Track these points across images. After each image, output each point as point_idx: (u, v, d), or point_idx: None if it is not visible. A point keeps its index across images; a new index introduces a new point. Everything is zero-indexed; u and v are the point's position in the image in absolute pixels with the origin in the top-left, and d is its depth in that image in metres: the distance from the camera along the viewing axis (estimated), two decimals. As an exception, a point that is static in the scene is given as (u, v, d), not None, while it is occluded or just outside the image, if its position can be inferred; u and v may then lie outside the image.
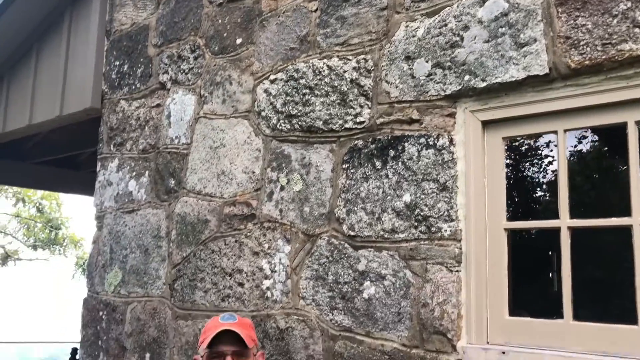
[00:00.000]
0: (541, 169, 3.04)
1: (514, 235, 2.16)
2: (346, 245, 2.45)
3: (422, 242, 2.21)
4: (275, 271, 2.68)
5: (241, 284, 2.81)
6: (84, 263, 12.35)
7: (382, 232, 2.33)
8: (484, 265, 2.10)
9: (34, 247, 12.13)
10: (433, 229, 2.19)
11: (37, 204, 11.24)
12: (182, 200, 3.20)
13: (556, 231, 2.01)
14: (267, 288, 2.70)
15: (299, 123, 2.69)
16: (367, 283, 2.34)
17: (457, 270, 2.11)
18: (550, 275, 2.79)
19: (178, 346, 3.03)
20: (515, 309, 2.08)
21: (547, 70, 2.00)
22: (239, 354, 1.80)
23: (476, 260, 2.10)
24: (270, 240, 2.73)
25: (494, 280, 2.07)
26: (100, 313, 3.58)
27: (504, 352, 1.96)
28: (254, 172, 2.87)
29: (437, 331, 2.11)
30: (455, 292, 2.10)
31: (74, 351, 4.20)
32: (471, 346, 2.04)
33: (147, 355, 3.20)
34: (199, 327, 2.93)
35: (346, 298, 2.40)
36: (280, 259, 2.67)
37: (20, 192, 10.93)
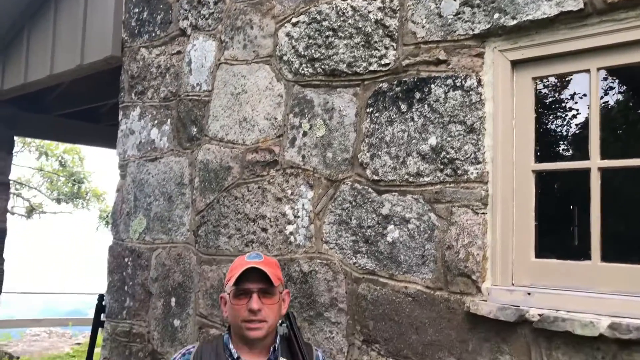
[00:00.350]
0: (571, 110, 2.97)
1: (541, 178, 2.12)
2: (370, 189, 2.43)
3: (447, 185, 2.19)
4: (298, 217, 2.68)
5: (264, 230, 2.83)
6: (107, 216, 12.56)
7: (406, 176, 2.31)
8: (511, 207, 2.07)
9: (58, 201, 12.35)
10: (459, 172, 2.16)
11: (60, 158, 11.37)
12: (205, 148, 3.19)
13: (586, 172, 1.97)
14: (291, 233, 2.71)
15: (322, 67, 2.64)
16: (390, 227, 2.34)
17: (483, 213, 2.09)
18: (578, 217, 2.75)
19: (203, 290, 3.08)
20: (541, 251, 2.06)
21: (581, 6, 1.92)
22: (265, 292, 1.80)
23: (503, 203, 2.08)
24: (293, 186, 2.72)
25: (521, 222, 2.05)
26: (126, 259, 3.64)
27: (529, 293, 1.96)
28: (276, 118, 2.84)
29: (462, 273, 2.11)
30: (481, 234, 2.08)
31: (101, 297, 4.28)
32: (496, 287, 2.04)
33: (173, 299, 3.26)
34: (223, 272, 2.97)
35: (370, 242, 2.40)
36: (303, 205, 2.67)
37: (43, 146, 11.05)
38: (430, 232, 2.22)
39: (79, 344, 10.47)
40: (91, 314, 4.45)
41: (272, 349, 1.83)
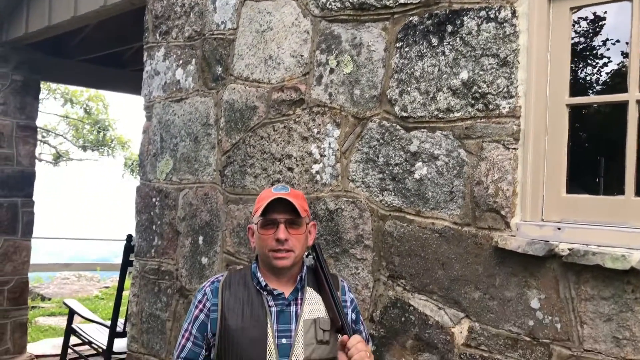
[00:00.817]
0: (609, 43, 2.87)
1: (574, 112, 2.06)
2: (398, 127, 2.40)
3: (478, 121, 2.15)
4: (325, 155, 2.67)
5: (290, 169, 2.83)
6: (132, 164, 12.73)
7: (436, 112, 2.27)
8: (543, 142, 2.03)
9: (84, 149, 12.51)
10: (491, 106, 2.12)
11: (85, 106, 11.45)
12: (230, 87, 3.17)
13: (622, 106, 1.91)
14: (317, 172, 2.71)
15: (350, 0, 2.57)
16: (419, 164, 2.32)
17: (514, 148, 2.05)
18: (611, 153, 2.70)
19: (230, 229, 3.12)
20: (572, 187, 2.03)
21: None
22: (292, 222, 1.81)
23: (535, 138, 2.04)
24: (320, 125, 2.70)
25: (552, 157, 2.01)
26: (153, 199, 3.69)
27: (559, 228, 1.94)
28: (302, 56, 2.80)
29: (491, 208, 2.09)
30: (511, 170, 2.05)
31: (129, 238, 4.38)
32: (525, 223, 2.02)
33: (200, 237, 3.31)
34: (249, 211, 3.00)
35: (397, 179, 2.39)
36: (329, 143, 2.66)
37: (67, 93, 11.12)
38: (459, 168, 2.19)
39: (107, 287, 10.81)
40: (118, 261, 4.58)
41: (298, 278, 1.85)
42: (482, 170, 2.12)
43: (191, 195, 3.41)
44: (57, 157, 12.55)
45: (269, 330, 1.76)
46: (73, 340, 5.07)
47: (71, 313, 4.96)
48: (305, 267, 1.90)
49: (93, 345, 4.75)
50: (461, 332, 2.16)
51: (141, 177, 3.85)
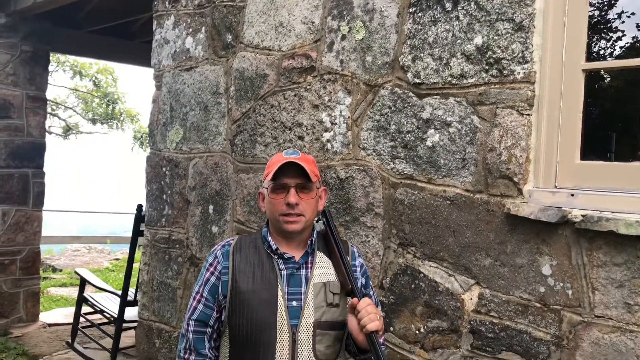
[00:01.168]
0: (624, 15, 2.81)
1: (590, 78, 2.03)
2: (410, 93, 2.38)
3: (492, 86, 2.12)
4: (336, 123, 2.66)
5: (301, 137, 2.82)
6: (141, 137, 12.75)
7: (449, 78, 2.24)
8: (557, 108, 2.00)
9: (93, 122, 12.52)
10: (505, 72, 2.09)
11: (94, 78, 11.44)
12: (240, 55, 3.15)
13: (635, 73, 1.88)
14: (327, 140, 2.69)
15: (363, -35, 2.53)
16: (431, 131, 2.30)
17: (528, 114, 2.03)
18: (626, 119, 2.67)
19: (240, 197, 3.13)
20: (586, 154, 2.01)
21: None
22: (302, 187, 1.80)
23: (549, 103, 2.01)
24: (331, 92, 2.68)
25: (567, 123, 1.99)
26: (164, 169, 3.70)
27: (572, 195, 1.92)
28: (313, 22, 2.76)
29: (503, 175, 2.08)
30: (525, 136, 2.03)
31: (140, 208, 4.41)
32: (538, 189, 2.01)
33: (211, 207, 3.33)
34: (259, 180, 3.00)
35: (408, 147, 2.37)
36: (340, 111, 2.64)
37: (77, 65, 11.10)
38: (472, 135, 2.17)
39: (117, 259, 10.92)
40: (128, 234, 4.61)
41: (309, 242, 1.86)
42: (496, 137, 2.10)
43: (201, 164, 3.41)
44: (67, 130, 12.58)
45: (280, 293, 1.77)
46: (85, 309, 5.14)
47: (82, 282, 5.02)
48: (315, 232, 1.90)
49: (105, 313, 4.81)
50: (471, 299, 2.17)
51: (151, 146, 3.85)
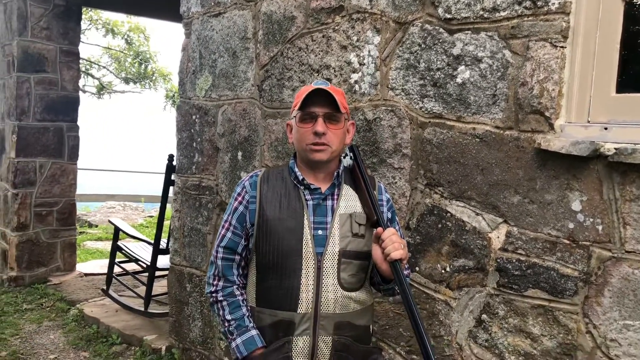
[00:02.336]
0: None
1: (630, 6, 1.95)
2: (441, 30, 2.32)
3: (525, 19, 2.06)
4: (364, 64, 2.63)
5: (329, 80, 2.79)
6: (173, 95, 12.85)
7: (481, 12, 2.18)
8: (593, 39, 1.94)
9: (126, 81, 12.65)
10: (539, 3, 2.02)
11: (126, 37, 11.52)
12: (268, -1, 3.12)
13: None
14: (355, 82, 2.67)
15: None
16: (461, 67, 2.25)
17: (562, 46, 1.97)
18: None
19: (268, 143, 3.14)
20: (622, 87, 1.94)
21: None
22: (330, 117, 1.77)
23: (585, 35, 1.94)
24: (359, 32, 2.64)
25: (603, 56, 1.92)
26: (193, 117, 3.73)
27: (606, 128, 1.87)
28: (342, -39, 2.71)
29: (535, 110, 2.03)
30: (558, 69, 1.97)
31: (171, 157, 4.47)
32: (570, 124, 1.96)
33: (239, 153, 3.35)
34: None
35: (438, 85, 2.33)
36: (369, 51, 2.60)
37: (109, 23, 11.18)
38: (503, 70, 2.12)
39: (151, 216, 11.17)
40: (160, 192, 4.68)
41: (335, 174, 1.85)
42: (527, 71, 2.04)
43: (230, 111, 3.42)
44: (101, 89, 12.75)
45: (305, 222, 1.78)
46: (120, 258, 5.29)
47: (116, 231, 5.15)
48: (342, 166, 1.89)
49: (138, 262, 4.94)
50: (498, 237, 2.15)
51: (181, 95, 3.88)
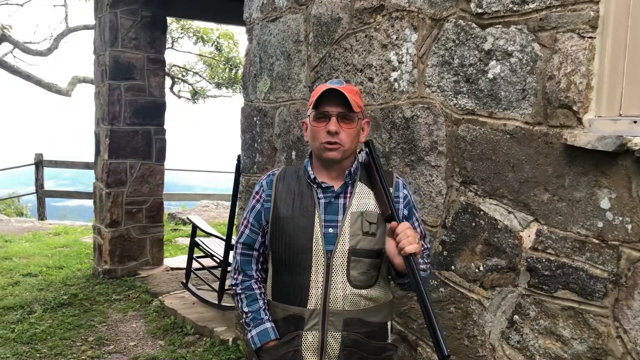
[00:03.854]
0: None
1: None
2: (473, 25, 2.28)
3: (553, 10, 1.98)
4: (403, 62, 2.62)
5: (371, 79, 2.82)
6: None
7: (510, 5, 2.12)
8: (625, 29, 1.83)
9: (218, 86, 13.23)
10: (566, -8, 1.93)
11: (216, 43, 12.04)
12: (318, 1, 3.18)
13: None
14: (395, 80, 2.67)
15: None
16: (492, 62, 2.20)
17: (590, 37, 1.87)
18: None
19: (317, 142, 3.21)
20: (659, 78, 1.81)
21: None
22: (344, 116, 1.81)
23: (615, 24, 1.84)
24: (398, 30, 2.64)
25: (635, 45, 1.81)
26: (255, 119, 3.88)
27: (635, 122, 1.76)
28: (382, -40, 2.72)
29: (562, 104, 1.95)
30: (586, 61, 1.88)
31: (239, 157, 4.65)
32: (599, 118, 1.86)
33: (293, 152, 3.45)
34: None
35: (470, 80, 2.29)
36: (407, 49, 2.60)
37: (199, 31, 11.76)
38: (532, 64, 2.05)
39: (240, 215, 11.58)
40: None
41: (347, 172, 1.88)
42: (555, 64, 1.97)
43: (285, 112, 3.53)
44: (194, 94, 13.41)
45: (316, 220, 1.83)
46: (199, 254, 5.58)
47: (194, 228, 5.45)
48: (357, 163, 1.92)
49: (214, 258, 5.19)
50: (529, 236, 2.08)
51: (244, 98, 4.05)
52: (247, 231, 1.96)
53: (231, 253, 4.85)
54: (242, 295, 1.94)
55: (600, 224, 1.85)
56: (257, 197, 1.96)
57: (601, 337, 1.86)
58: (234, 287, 1.98)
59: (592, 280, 1.87)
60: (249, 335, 1.89)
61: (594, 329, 1.88)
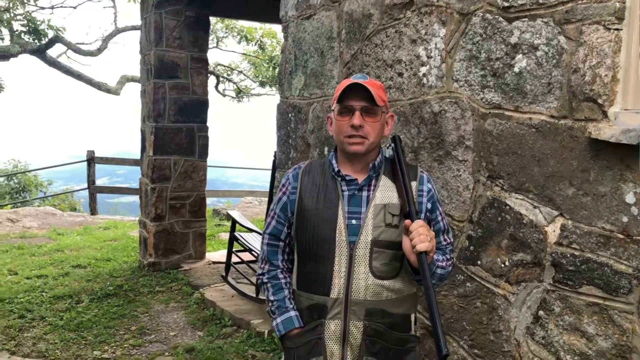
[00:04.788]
0: None
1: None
2: (500, 18, 2.27)
3: (579, 2, 1.95)
4: (431, 57, 2.63)
5: (400, 74, 2.83)
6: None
7: (536, -2, 2.10)
8: (652, 19, 1.79)
9: (262, 84, 13.41)
10: (592, -16, 1.90)
11: (259, 42, 12.19)
12: (349, -2, 3.21)
13: None
14: (423, 75, 2.68)
15: None
16: (519, 56, 2.18)
17: (616, 29, 1.84)
18: None
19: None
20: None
21: None
22: (368, 110, 1.83)
23: (641, 15, 1.80)
24: (427, 25, 2.65)
25: (662, 36, 1.77)
26: (289, 115, 3.93)
27: (661, 114, 1.73)
28: (412, -44, 2.72)
29: (588, 97, 1.92)
30: (611, 53, 1.85)
31: (275, 154, 4.73)
32: (625, 111, 1.83)
33: (325, 148, 3.49)
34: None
35: (497, 74, 2.28)
36: (435, 44, 2.60)
37: (243, 30, 11.93)
38: (558, 57, 2.03)
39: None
40: None
41: (371, 165, 1.90)
42: (580, 57, 1.94)
43: (318, 108, 3.57)
44: (239, 93, 13.62)
45: (340, 212, 1.86)
46: (239, 248, 5.69)
47: (233, 222, 5.56)
48: (381, 156, 1.94)
49: (252, 252, 5.29)
50: (554, 231, 2.06)
51: (280, 95, 4.11)
52: (273, 222, 2.02)
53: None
54: (269, 285, 1.99)
55: (625, 219, 1.82)
56: (284, 189, 2.01)
57: (626, 333, 1.83)
58: (260, 277, 2.04)
59: (617, 275, 1.84)
60: (274, 323, 1.94)
61: (619, 325, 1.85)
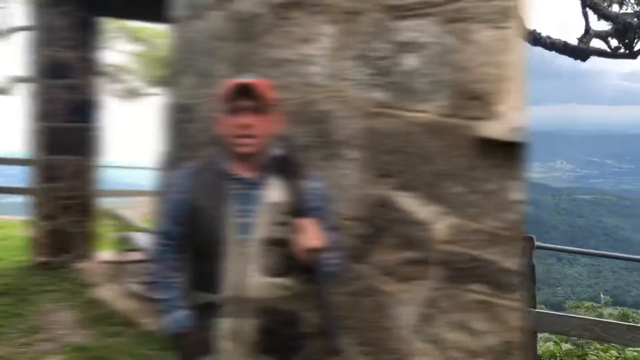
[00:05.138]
0: None
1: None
2: (389, 17, 2.01)
3: (469, 1, 1.73)
4: (320, 56, 2.32)
5: (290, 73, 2.49)
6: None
7: (424, -3, 1.86)
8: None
9: (153, 84, 12.47)
10: (479, -17, 1.69)
11: (150, 42, 11.26)
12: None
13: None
14: (312, 74, 2.36)
15: None
16: (407, 55, 1.94)
17: (503, 27, 1.64)
18: None
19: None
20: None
21: None
22: (256, 110, 1.61)
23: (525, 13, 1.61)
24: (316, 24, 2.34)
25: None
26: (179, 115, 3.48)
27: (548, 113, 1.54)
28: (301, -44, 2.40)
29: (475, 96, 1.71)
30: (499, 52, 1.64)
31: (164, 153, 4.25)
32: (511, 109, 1.63)
33: (215, 147, 3.08)
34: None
35: (386, 73, 2.02)
36: (325, 43, 2.30)
37: (134, 31, 10.95)
38: (446, 55, 1.80)
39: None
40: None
41: (262, 164, 1.66)
42: (468, 55, 1.72)
43: (208, 108, 3.15)
44: (130, 93, 12.64)
45: (231, 211, 1.63)
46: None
47: (125, 222, 4.98)
48: (270, 155, 1.66)
49: (143, 251, 4.75)
50: (443, 229, 1.83)
51: (170, 94, 3.64)
52: (164, 222, 1.76)
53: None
54: (159, 284, 1.75)
55: (511, 217, 1.61)
56: (175, 189, 1.75)
57: (512, 330, 1.63)
58: (151, 276, 1.78)
59: (504, 273, 1.64)
60: (164, 322, 1.70)
61: (506, 322, 1.65)
